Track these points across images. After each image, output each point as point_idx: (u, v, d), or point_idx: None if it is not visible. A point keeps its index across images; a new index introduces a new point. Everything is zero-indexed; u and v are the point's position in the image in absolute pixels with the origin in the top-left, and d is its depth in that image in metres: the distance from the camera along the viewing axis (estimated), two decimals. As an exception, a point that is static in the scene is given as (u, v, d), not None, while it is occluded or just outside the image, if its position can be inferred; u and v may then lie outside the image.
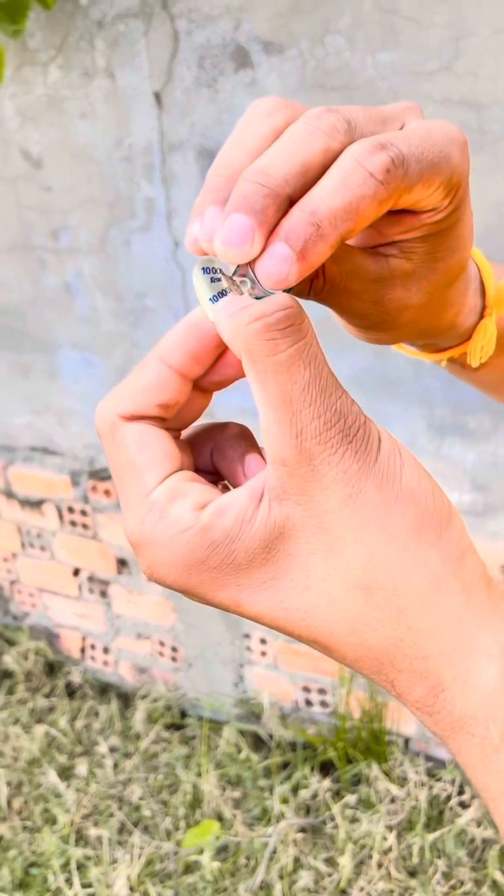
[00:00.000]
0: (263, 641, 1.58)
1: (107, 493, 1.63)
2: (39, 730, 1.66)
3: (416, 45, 1.05)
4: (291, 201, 0.25)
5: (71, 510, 1.70)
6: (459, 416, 1.28)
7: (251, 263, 0.25)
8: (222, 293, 0.26)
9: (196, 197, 1.27)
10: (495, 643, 0.26)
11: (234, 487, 0.30)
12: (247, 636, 1.60)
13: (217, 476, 0.32)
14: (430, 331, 0.37)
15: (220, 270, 0.27)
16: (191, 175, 1.27)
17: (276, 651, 1.58)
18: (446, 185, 0.28)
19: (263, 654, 1.60)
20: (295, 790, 1.51)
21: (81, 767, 1.58)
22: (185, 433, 0.32)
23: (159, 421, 0.29)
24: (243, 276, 0.26)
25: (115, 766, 1.60)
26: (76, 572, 1.78)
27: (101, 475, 1.64)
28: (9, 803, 1.53)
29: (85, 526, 1.70)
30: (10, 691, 1.81)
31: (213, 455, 0.31)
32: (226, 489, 0.31)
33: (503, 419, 1.25)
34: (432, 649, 0.26)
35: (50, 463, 1.70)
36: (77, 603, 1.81)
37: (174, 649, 1.72)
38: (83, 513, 1.68)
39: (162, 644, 1.73)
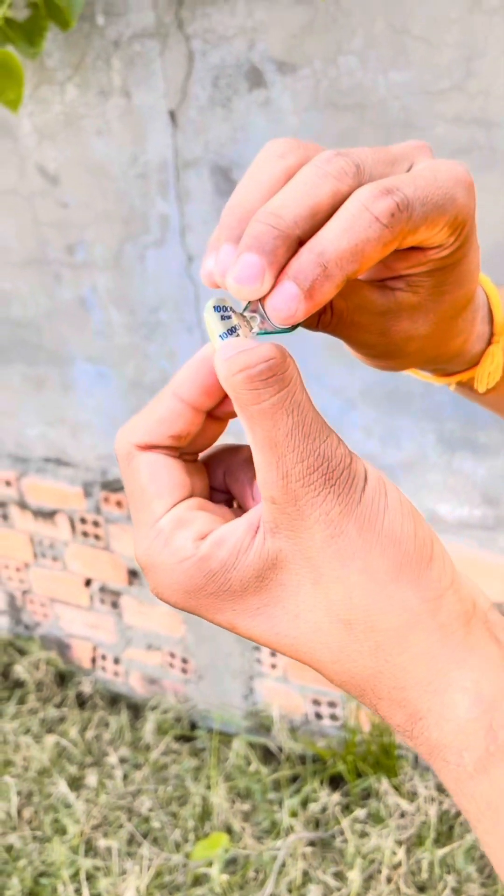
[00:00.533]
0: (273, 654, 1.59)
1: (119, 504, 1.64)
2: (50, 740, 1.67)
3: (428, 64, 1.07)
4: (301, 242, 0.27)
5: (83, 521, 1.71)
6: (470, 430, 1.28)
7: (261, 300, 0.27)
8: (232, 330, 0.28)
9: (209, 213, 1.29)
10: (469, 679, 0.27)
11: (244, 508, 0.32)
12: (257, 648, 1.60)
13: (231, 495, 0.33)
14: (437, 358, 0.39)
15: (231, 308, 0.28)
16: (205, 192, 1.29)
17: (287, 663, 1.58)
18: (451, 224, 0.29)
19: (273, 666, 1.60)
20: (304, 804, 1.50)
21: (91, 778, 1.59)
22: (201, 456, 0.33)
23: (173, 450, 0.31)
24: (254, 311, 0.28)
25: (125, 777, 1.60)
26: (88, 583, 1.79)
27: (113, 486, 1.65)
28: (19, 813, 1.53)
29: (97, 537, 1.71)
30: (22, 701, 1.82)
31: (226, 477, 0.33)
32: (239, 509, 0.32)
33: (514, 434, 1.25)
34: (409, 682, 0.27)
35: (63, 474, 1.72)
36: (88, 613, 1.82)
37: (184, 661, 1.72)
38: (95, 524, 1.70)
39: (172, 655, 1.73)
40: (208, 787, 1.55)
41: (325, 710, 1.58)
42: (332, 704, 1.57)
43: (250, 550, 0.28)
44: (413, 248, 0.31)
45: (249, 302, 0.27)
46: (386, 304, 0.33)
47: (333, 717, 1.58)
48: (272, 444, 0.27)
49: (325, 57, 1.12)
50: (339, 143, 1.16)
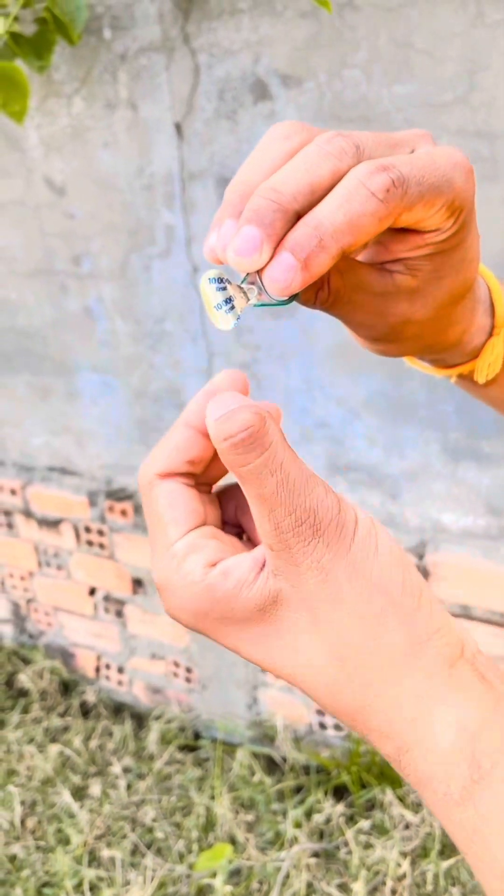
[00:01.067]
0: (277, 663, 1.58)
1: (123, 513, 1.65)
2: (54, 749, 1.67)
3: (431, 77, 1.08)
4: (299, 216, 0.28)
5: (88, 530, 1.72)
6: (474, 440, 1.29)
7: (259, 272, 0.27)
8: (228, 300, 0.28)
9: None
10: (452, 714, 0.29)
11: (254, 542, 0.34)
12: (261, 658, 1.60)
13: (241, 528, 0.35)
14: (435, 346, 0.39)
15: (227, 280, 0.29)
16: (210, 203, 1.30)
17: (291, 673, 1.58)
18: (449, 207, 0.30)
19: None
20: (308, 814, 1.50)
21: (95, 788, 1.59)
22: (214, 488, 0.35)
23: (190, 477, 0.33)
24: (252, 283, 0.28)
25: (129, 787, 1.60)
26: (92, 592, 1.79)
27: (117, 496, 1.66)
28: (22, 822, 1.53)
29: (101, 546, 1.72)
30: (26, 710, 1.82)
31: (237, 511, 0.35)
32: (249, 542, 0.35)
33: (518, 443, 1.26)
34: (395, 716, 0.29)
35: (68, 483, 1.72)
36: (92, 622, 1.82)
37: (188, 670, 1.72)
38: (100, 533, 1.70)
39: (176, 665, 1.73)
40: (212, 798, 1.54)
41: (328, 721, 1.58)
42: (336, 714, 1.57)
43: (253, 585, 0.29)
44: (411, 231, 0.32)
45: (248, 274, 0.28)
46: (384, 286, 0.33)
47: (337, 728, 1.58)
48: (261, 499, 0.28)
49: (329, 70, 1.13)
50: (343, 155, 1.16)
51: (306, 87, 1.15)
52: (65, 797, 1.56)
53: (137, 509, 1.62)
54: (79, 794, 1.59)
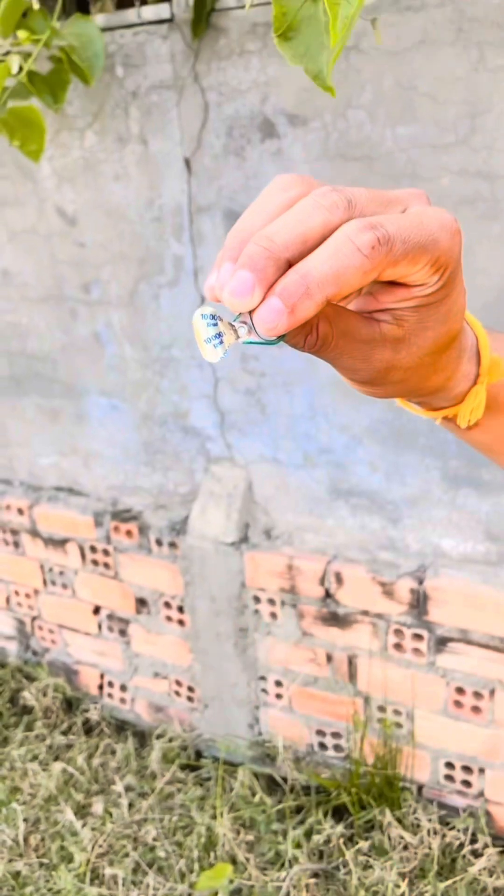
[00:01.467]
0: (279, 684, 1.61)
1: (128, 533, 1.67)
2: (57, 767, 1.69)
3: (434, 119, 1.11)
4: (290, 264, 0.30)
5: (93, 550, 1.74)
6: (473, 467, 1.31)
7: (251, 312, 0.30)
8: (218, 336, 0.32)
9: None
10: None
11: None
12: (262, 678, 1.62)
13: None
14: (419, 390, 0.41)
15: (218, 317, 0.32)
16: (217, 236, 1.33)
17: (292, 694, 1.60)
18: (434, 265, 0.33)
19: (279, 696, 1.62)
20: (308, 835, 1.52)
21: (98, 806, 1.60)
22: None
23: None
24: (243, 322, 0.31)
25: (131, 805, 1.62)
26: (96, 610, 1.81)
27: (123, 516, 1.68)
28: (25, 840, 1.55)
29: (106, 565, 1.74)
30: (29, 727, 1.84)
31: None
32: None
33: (517, 472, 1.28)
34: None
35: (74, 503, 1.75)
36: (96, 641, 1.85)
37: (191, 689, 1.74)
38: (105, 552, 1.73)
39: (179, 684, 1.75)
40: (213, 817, 1.56)
41: (329, 741, 1.60)
42: (336, 735, 1.59)
43: None
44: (399, 284, 0.34)
45: (240, 314, 0.31)
46: (371, 334, 0.36)
47: (338, 748, 1.60)
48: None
49: (334, 110, 1.16)
50: (347, 191, 1.20)
51: (312, 126, 1.19)
52: (68, 815, 1.58)
53: (142, 530, 1.65)
54: (81, 811, 1.61)
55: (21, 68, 1.12)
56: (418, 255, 0.32)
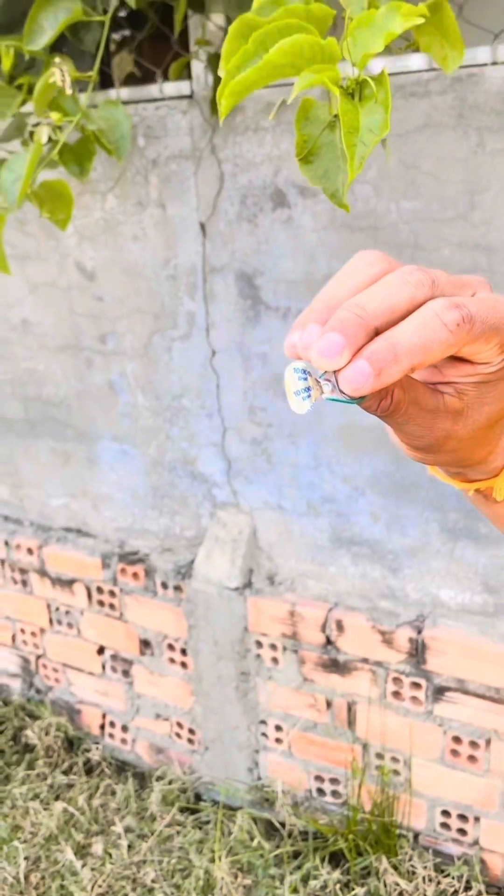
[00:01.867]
0: (279, 728, 1.63)
1: (135, 575, 1.72)
2: (58, 806, 1.71)
3: (436, 196, 1.19)
4: (376, 332, 0.34)
5: (100, 590, 1.78)
6: (471, 521, 1.36)
7: (336, 372, 0.34)
8: (306, 390, 0.35)
9: (232, 313, 1.42)
10: None
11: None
12: (263, 722, 1.65)
13: None
14: (464, 461, 0.45)
15: (309, 372, 0.35)
16: (229, 295, 1.40)
17: (292, 739, 1.62)
18: (501, 345, 0.37)
19: (279, 740, 1.64)
20: (305, 880, 1.53)
21: (97, 846, 1.62)
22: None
23: None
24: (328, 380, 0.34)
25: (130, 846, 1.63)
26: (101, 650, 1.85)
27: (130, 559, 1.73)
28: (26, 877, 1.56)
29: (112, 606, 1.78)
30: (31, 766, 1.86)
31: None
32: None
33: (513, 526, 1.33)
34: None
35: (83, 544, 1.80)
36: (100, 680, 1.88)
37: (191, 731, 1.77)
38: (111, 593, 1.77)
39: (180, 726, 1.78)
40: (212, 861, 1.58)
41: (327, 787, 1.62)
42: (334, 781, 1.61)
43: None
44: (465, 360, 0.39)
45: (326, 371, 0.34)
46: (435, 404, 0.39)
47: (336, 794, 1.62)
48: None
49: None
50: (354, 258, 1.27)
51: (321, 197, 1.26)
52: (68, 854, 1.59)
53: (149, 572, 1.69)
54: (82, 851, 1.63)
55: (50, 139, 1.20)
56: (492, 335, 0.36)
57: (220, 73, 0.52)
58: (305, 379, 0.34)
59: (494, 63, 1.10)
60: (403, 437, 0.41)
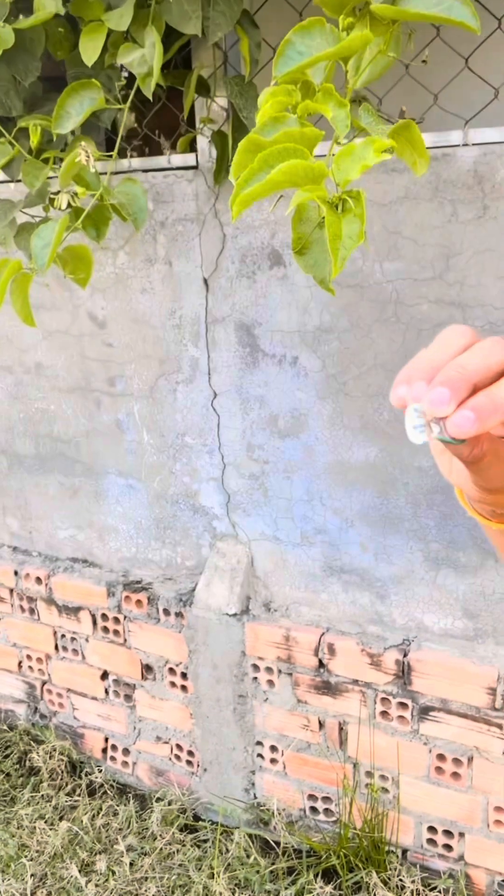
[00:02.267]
0: (274, 749, 1.73)
1: (139, 603, 1.82)
2: (63, 826, 1.79)
3: (415, 258, 1.33)
4: (476, 388, 0.43)
5: (105, 617, 1.88)
6: (452, 551, 1.48)
7: (443, 418, 0.42)
8: (421, 425, 0.44)
9: (232, 359, 1.57)
10: None
11: None
12: (259, 743, 1.74)
13: None
14: None
15: (424, 414, 0.44)
16: (230, 343, 1.54)
17: (286, 759, 1.72)
18: None
19: (273, 761, 1.73)
20: (300, 895, 1.61)
21: (101, 864, 1.70)
22: None
23: None
24: (436, 423, 0.43)
25: (132, 864, 1.71)
26: (104, 676, 1.94)
27: (133, 587, 1.83)
28: (33, 894, 1.64)
29: (116, 632, 1.88)
30: (36, 788, 1.94)
31: None
32: None
33: (491, 556, 1.45)
34: None
35: (89, 574, 1.90)
36: (103, 705, 1.96)
37: (191, 753, 1.85)
38: (116, 620, 1.87)
39: (179, 748, 1.87)
40: (210, 877, 1.66)
41: (320, 805, 1.71)
42: (326, 799, 1.70)
43: None
44: None
45: (435, 417, 0.43)
46: None
47: (328, 812, 1.70)
48: None
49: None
50: (342, 312, 1.41)
51: (314, 257, 1.41)
52: (73, 871, 1.67)
53: (151, 600, 1.80)
54: (86, 868, 1.70)
55: (69, 204, 1.34)
56: None
57: (232, 179, 0.65)
58: (422, 419, 0.42)
59: (465, 144, 1.25)
60: (479, 481, 0.50)
